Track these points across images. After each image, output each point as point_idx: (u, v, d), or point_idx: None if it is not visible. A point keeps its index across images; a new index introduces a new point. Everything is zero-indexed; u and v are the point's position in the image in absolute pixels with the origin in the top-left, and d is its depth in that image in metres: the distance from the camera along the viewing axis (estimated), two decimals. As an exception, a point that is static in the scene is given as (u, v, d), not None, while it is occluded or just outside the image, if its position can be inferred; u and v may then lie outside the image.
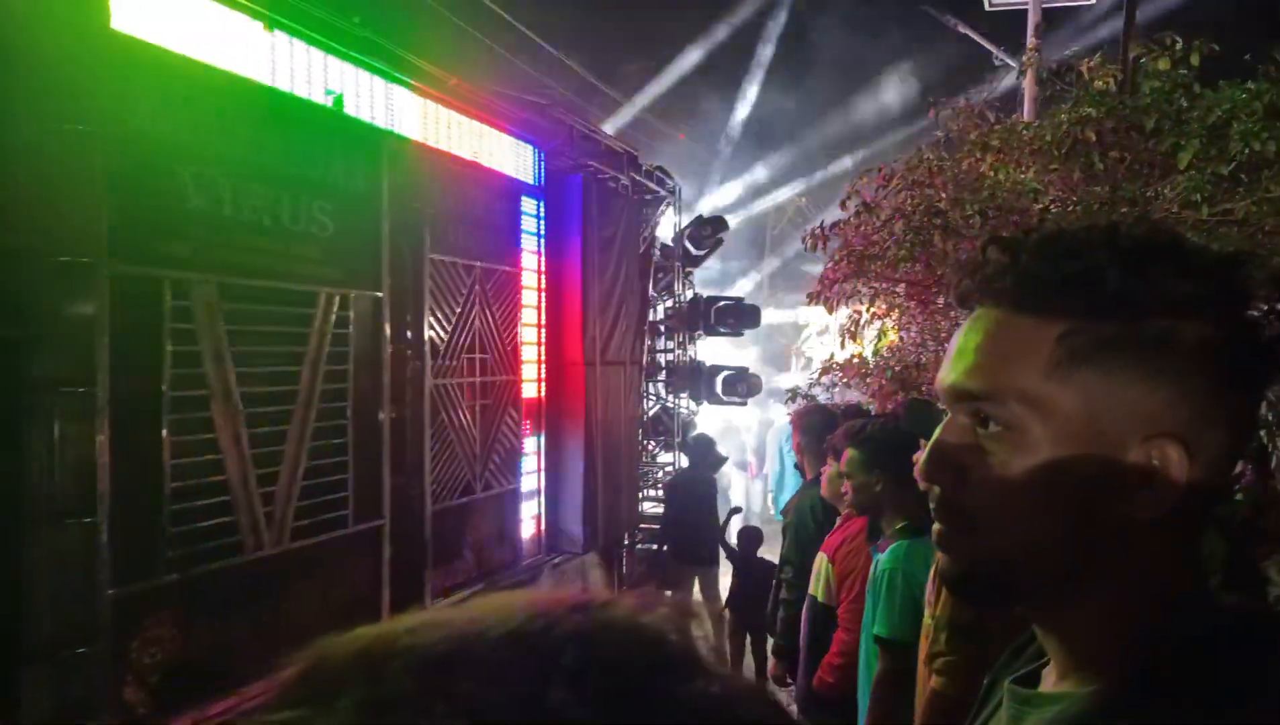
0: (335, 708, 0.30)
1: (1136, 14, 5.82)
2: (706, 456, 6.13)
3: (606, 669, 0.31)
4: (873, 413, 4.73)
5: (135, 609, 2.78)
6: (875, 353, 6.86)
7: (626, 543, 6.38)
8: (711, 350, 8.22)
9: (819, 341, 13.74)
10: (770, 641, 3.71)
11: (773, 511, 9.21)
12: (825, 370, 6.68)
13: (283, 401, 3.34)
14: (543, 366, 5.29)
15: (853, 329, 6.67)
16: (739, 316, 7.71)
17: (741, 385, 7.55)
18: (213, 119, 3.02)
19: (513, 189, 4.98)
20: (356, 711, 0.30)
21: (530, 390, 5.16)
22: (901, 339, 6.83)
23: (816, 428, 3.56)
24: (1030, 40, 6.97)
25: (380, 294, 3.85)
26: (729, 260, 14.65)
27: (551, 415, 5.38)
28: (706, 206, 12.53)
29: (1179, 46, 4.76)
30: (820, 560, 2.95)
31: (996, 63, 7.57)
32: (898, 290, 6.15)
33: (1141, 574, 0.62)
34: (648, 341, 6.80)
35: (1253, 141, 4.11)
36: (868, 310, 6.50)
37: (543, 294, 5.29)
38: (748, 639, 5.18)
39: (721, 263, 13.42)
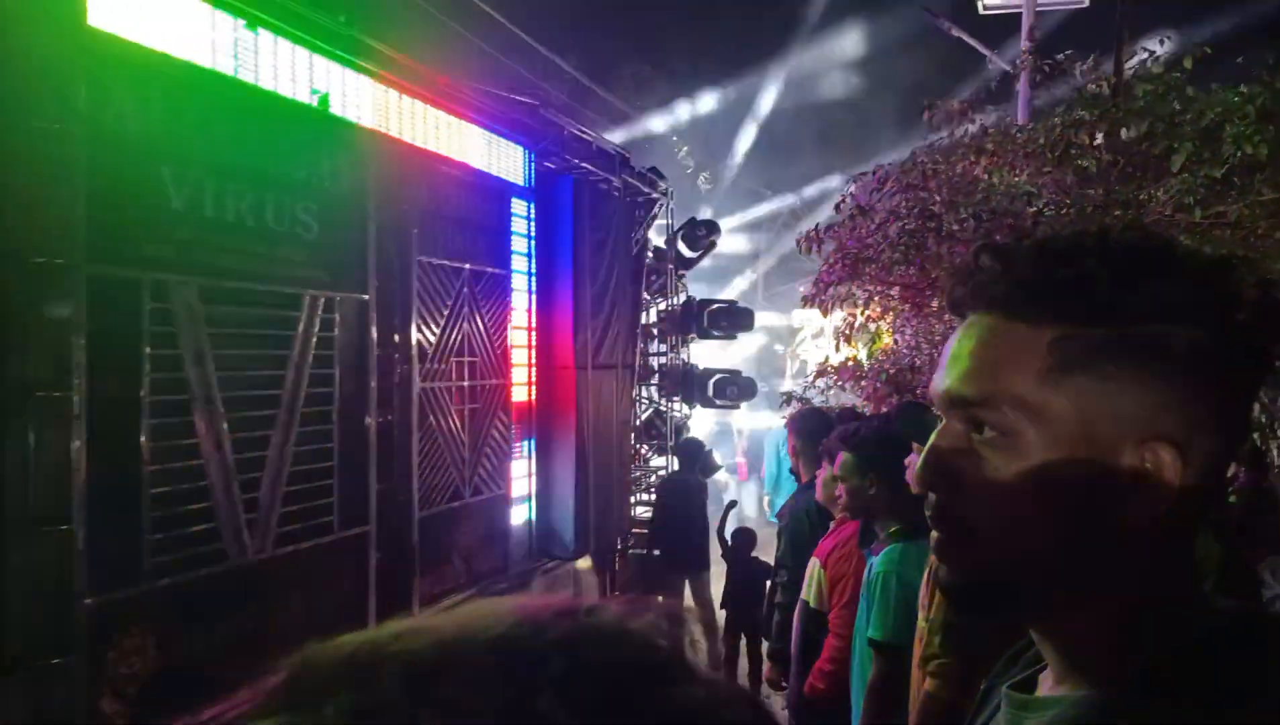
0: (322, 714, 0.30)
1: (1129, 18, 5.82)
2: (696, 460, 6.10)
3: (593, 675, 0.31)
4: (867, 416, 4.70)
5: (113, 618, 2.72)
6: (870, 356, 6.84)
7: (619, 548, 6.33)
8: (709, 353, 8.20)
9: (814, 344, 13.74)
10: (766, 644, 3.69)
11: (767, 514, 9.18)
12: (820, 373, 6.67)
13: (266, 406, 3.28)
14: (533, 370, 5.24)
15: (847, 332, 6.66)
16: (732, 319, 7.67)
17: (733, 388, 7.51)
18: (193, 118, 2.97)
19: (502, 190, 4.93)
20: (343, 718, 0.29)
21: (520, 394, 5.11)
22: (896, 342, 6.81)
23: (812, 431, 3.55)
24: (1024, 43, 6.97)
25: (366, 296, 3.80)
26: (723, 262, 14.62)
27: (542, 419, 5.33)
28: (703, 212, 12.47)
29: (1172, 50, 4.76)
30: (813, 565, 2.94)
31: (990, 66, 7.57)
32: (892, 293, 6.13)
33: (1137, 577, 0.62)
34: (640, 345, 6.76)
35: (1245, 145, 4.12)
36: (862, 313, 6.49)
37: (533, 297, 5.24)
38: (742, 640, 5.17)
39: (714, 263, 13.39)
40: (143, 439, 2.81)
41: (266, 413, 3.28)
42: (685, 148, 14.78)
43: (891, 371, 6.12)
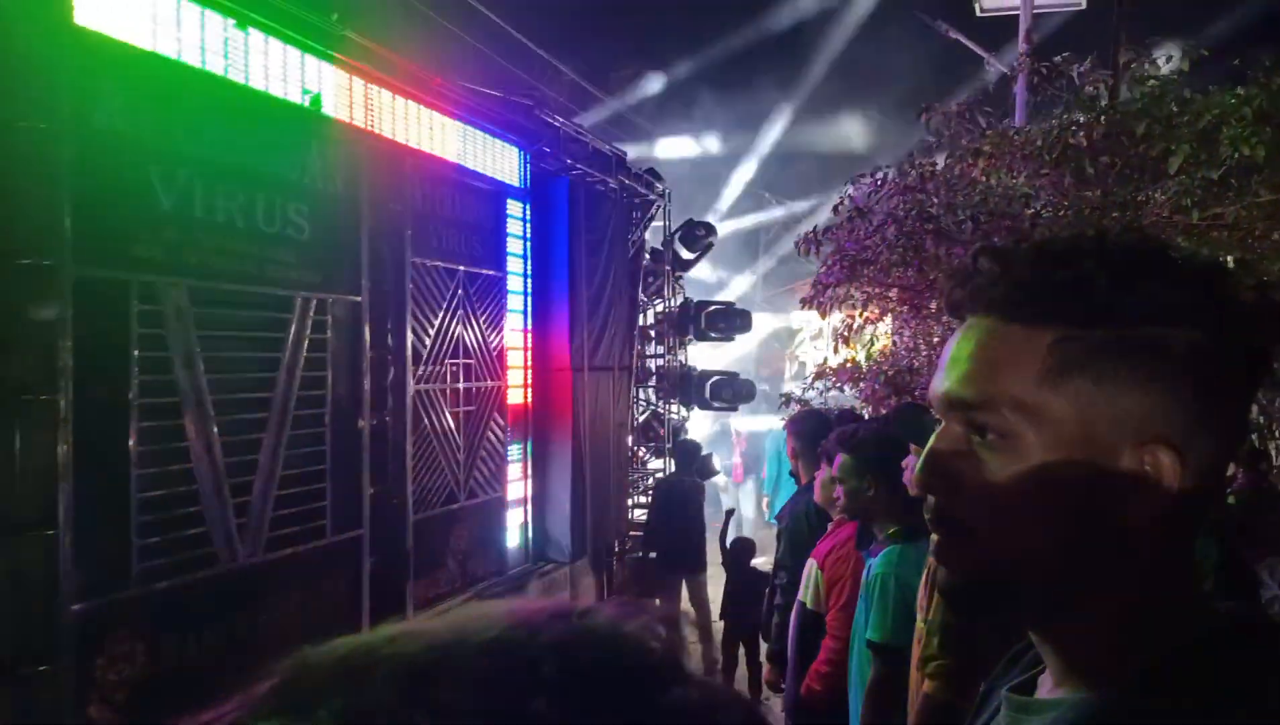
0: (315, 718, 0.30)
1: (1126, 20, 5.81)
2: (692, 461, 6.07)
3: (587, 678, 0.31)
4: (866, 418, 4.68)
5: (101, 624, 2.69)
6: (868, 357, 6.82)
7: (616, 550, 6.30)
8: (708, 355, 8.18)
9: (812, 346, 13.72)
10: (765, 648, 3.67)
11: (766, 516, 9.16)
12: (819, 375, 6.65)
13: (258, 408, 3.25)
14: (529, 372, 5.21)
15: (846, 333, 6.64)
16: (729, 321, 7.64)
17: (731, 390, 7.48)
18: (183, 117, 2.94)
19: (497, 191, 4.90)
20: (337, 722, 0.30)
21: (516, 396, 5.08)
22: (894, 343, 6.79)
23: (811, 433, 3.53)
24: (1021, 45, 6.95)
25: (359, 298, 3.77)
26: (721, 265, 14.62)
27: (538, 421, 5.30)
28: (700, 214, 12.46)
29: (1169, 53, 4.75)
30: (810, 566, 2.92)
31: (989, 68, 7.56)
32: (890, 295, 6.11)
33: (1136, 579, 0.62)
34: (637, 346, 6.74)
35: (1242, 146, 4.11)
36: (860, 315, 6.47)
37: (529, 298, 5.21)
38: (740, 649, 5.14)
39: (713, 267, 13.39)
40: (131, 442, 2.78)
41: (258, 416, 3.25)
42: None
43: (890, 373, 6.09)
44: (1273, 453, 5.65)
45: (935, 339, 5.96)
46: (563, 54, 11.12)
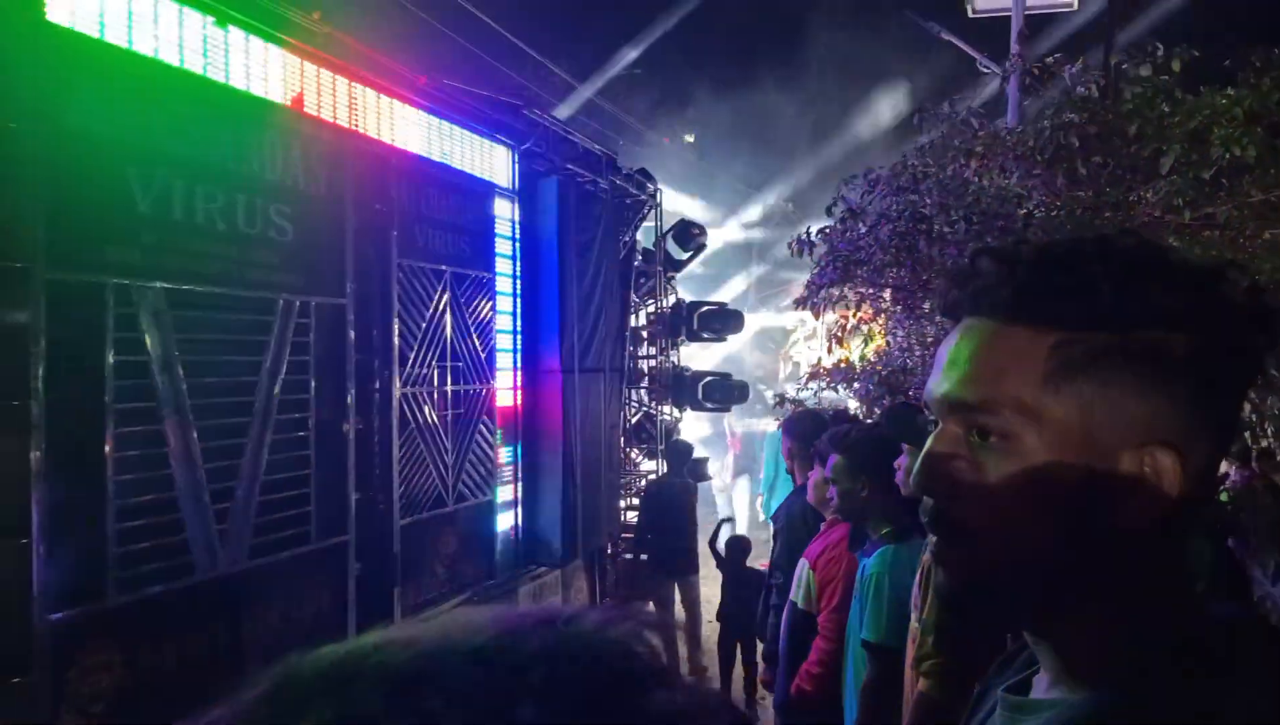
0: None
1: (1119, 21, 5.79)
2: (684, 462, 6.04)
3: (573, 685, 0.31)
4: (860, 418, 4.65)
5: (76, 635, 2.64)
6: (862, 358, 6.79)
7: (608, 553, 6.25)
8: (701, 356, 8.14)
9: (806, 346, 13.70)
10: (760, 649, 3.66)
11: (761, 515, 9.12)
12: (813, 375, 6.62)
13: (239, 413, 3.20)
14: (519, 374, 5.16)
15: (839, 334, 6.61)
16: (722, 321, 7.60)
17: (722, 391, 7.44)
18: (160, 117, 2.88)
19: (485, 191, 4.85)
20: None
21: (506, 398, 5.03)
22: (888, 343, 6.76)
23: (806, 433, 3.52)
24: (1014, 46, 6.93)
25: (343, 301, 3.72)
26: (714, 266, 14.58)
27: (528, 424, 5.25)
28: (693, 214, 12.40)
29: (1160, 53, 4.75)
30: (802, 566, 2.92)
31: (982, 68, 7.53)
32: (884, 295, 6.09)
33: (1134, 580, 0.62)
34: (629, 347, 6.69)
35: (1233, 146, 4.13)
36: (854, 315, 6.44)
37: (518, 299, 5.16)
38: (737, 649, 5.12)
39: (705, 268, 13.34)
40: (107, 449, 2.72)
41: (239, 421, 3.20)
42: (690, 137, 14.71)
43: (884, 373, 6.07)
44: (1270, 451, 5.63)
45: (929, 339, 5.94)
46: (555, 55, 11.07)
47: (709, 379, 7.47)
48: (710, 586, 5.79)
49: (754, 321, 12.92)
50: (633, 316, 6.87)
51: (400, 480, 4.09)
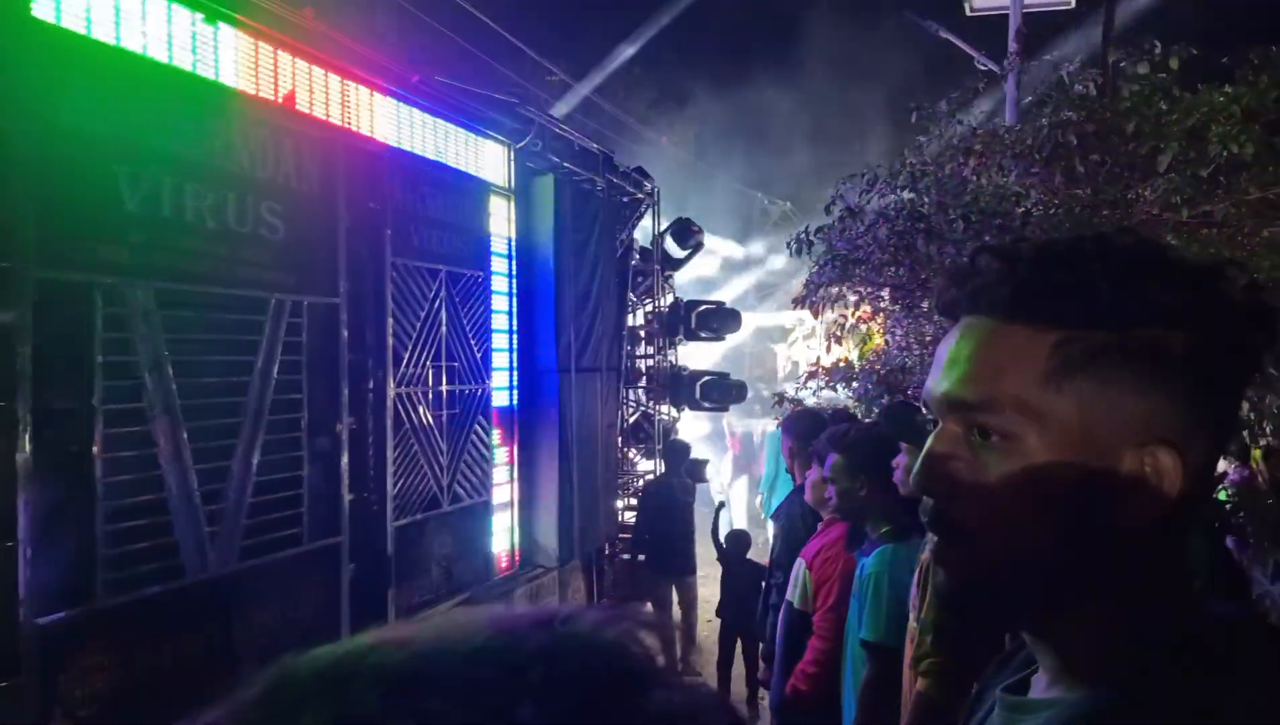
0: None
1: (1116, 19, 5.78)
2: (681, 462, 6.01)
3: (570, 685, 0.31)
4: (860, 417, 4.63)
5: (65, 638, 2.62)
6: (860, 357, 6.77)
7: (606, 553, 6.23)
8: (699, 355, 8.10)
9: (805, 345, 13.68)
10: (761, 645, 3.64)
11: (761, 513, 9.10)
12: (811, 374, 6.60)
13: (230, 414, 3.17)
14: (514, 373, 5.13)
15: (838, 333, 6.59)
16: (720, 320, 7.57)
17: (720, 391, 7.41)
18: (150, 114, 2.85)
19: (481, 189, 4.82)
20: None
21: (501, 398, 5.00)
22: (886, 342, 6.74)
23: (806, 432, 3.51)
24: (1011, 45, 6.91)
25: (336, 300, 3.69)
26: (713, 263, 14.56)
27: (524, 424, 5.22)
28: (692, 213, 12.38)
29: (1158, 51, 4.73)
30: (798, 566, 2.91)
31: (980, 67, 7.51)
32: (882, 294, 6.07)
33: (1133, 579, 0.62)
34: (626, 347, 6.66)
35: (1231, 144, 4.12)
36: (853, 314, 6.42)
37: (514, 298, 5.13)
38: (737, 643, 5.10)
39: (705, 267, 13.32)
40: (95, 450, 2.69)
41: (230, 421, 3.17)
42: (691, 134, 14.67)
43: (882, 372, 6.05)
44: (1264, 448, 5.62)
45: (928, 338, 5.92)
46: (552, 55, 11.05)
47: (707, 378, 7.44)
48: (709, 587, 5.77)
49: (751, 320, 12.88)
50: (630, 315, 6.84)
51: (394, 481, 4.06)
